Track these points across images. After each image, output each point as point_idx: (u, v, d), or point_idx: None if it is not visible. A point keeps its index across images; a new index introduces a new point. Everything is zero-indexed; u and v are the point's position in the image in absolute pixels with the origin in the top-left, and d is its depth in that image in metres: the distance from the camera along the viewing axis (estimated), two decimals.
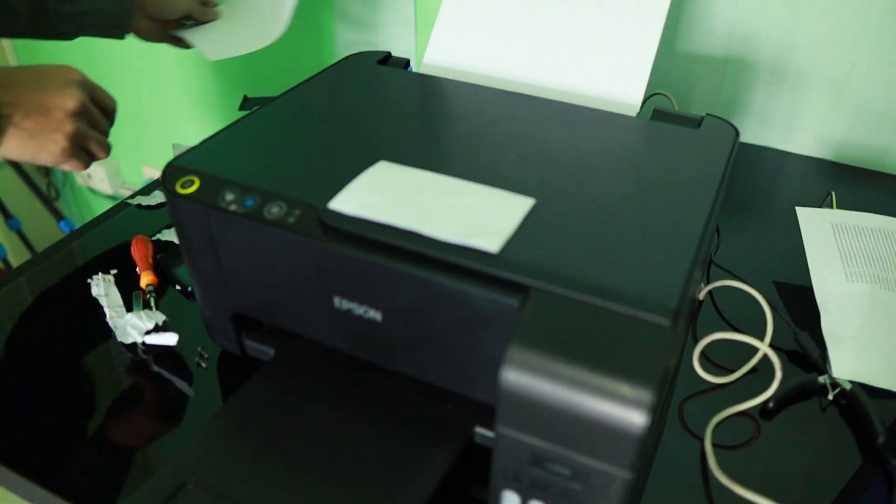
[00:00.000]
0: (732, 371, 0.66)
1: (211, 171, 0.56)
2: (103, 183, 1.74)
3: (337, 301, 0.53)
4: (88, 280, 0.73)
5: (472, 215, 0.51)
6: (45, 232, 1.82)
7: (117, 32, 0.86)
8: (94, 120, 0.72)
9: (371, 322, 0.53)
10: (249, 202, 0.53)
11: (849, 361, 0.66)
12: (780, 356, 0.66)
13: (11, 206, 1.71)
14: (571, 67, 0.72)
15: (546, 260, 0.48)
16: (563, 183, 0.56)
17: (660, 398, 0.41)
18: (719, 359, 0.68)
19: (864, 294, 0.72)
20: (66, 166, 0.71)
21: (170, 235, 0.82)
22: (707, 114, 0.68)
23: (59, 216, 1.73)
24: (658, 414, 0.42)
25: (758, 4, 0.95)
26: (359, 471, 0.52)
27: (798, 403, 0.65)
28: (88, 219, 1.92)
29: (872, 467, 0.59)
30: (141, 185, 1.72)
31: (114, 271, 0.75)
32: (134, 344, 0.68)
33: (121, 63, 1.55)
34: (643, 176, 0.58)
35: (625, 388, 0.41)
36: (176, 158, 0.57)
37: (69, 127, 0.68)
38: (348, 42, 1.24)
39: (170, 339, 0.66)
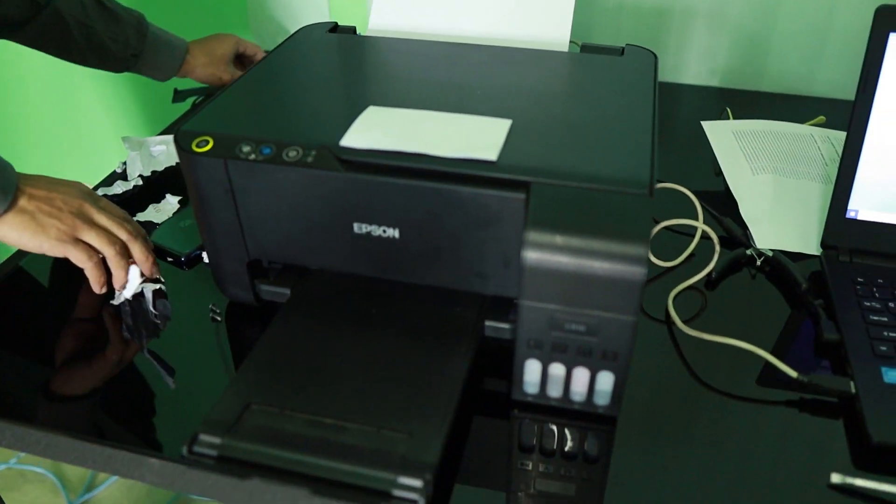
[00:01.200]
0: (672, 259, 0.78)
1: (220, 130, 0.62)
2: None
3: (357, 227, 0.61)
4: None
5: (465, 135, 0.60)
6: None
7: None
8: (100, 220, 0.72)
9: (389, 240, 0.61)
10: (266, 150, 0.60)
11: (767, 234, 0.80)
12: (715, 237, 0.78)
13: None
14: (503, 19, 0.82)
15: (536, 161, 0.57)
16: (528, 106, 0.66)
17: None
18: (660, 253, 0.79)
19: (769, 182, 0.86)
20: (70, 255, 0.70)
21: (145, 216, 0.86)
22: (626, 44, 0.79)
23: None
24: None
25: None
26: (396, 373, 0.60)
27: (733, 274, 0.77)
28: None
29: (800, 311, 0.73)
30: None
31: None
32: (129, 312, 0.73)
33: (23, 73, 1.52)
34: (591, 94, 0.69)
35: (625, 247, 0.51)
36: (183, 123, 0.63)
37: (68, 214, 0.69)
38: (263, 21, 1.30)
39: (134, 275, 0.72)
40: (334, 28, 0.84)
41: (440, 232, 0.59)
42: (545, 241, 0.52)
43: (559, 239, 0.52)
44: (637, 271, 0.51)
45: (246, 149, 0.60)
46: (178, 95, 1.13)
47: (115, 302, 0.73)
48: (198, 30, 1.35)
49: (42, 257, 0.74)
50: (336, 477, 0.53)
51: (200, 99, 1.13)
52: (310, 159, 0.59)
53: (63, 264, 0.72)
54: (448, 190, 0.56)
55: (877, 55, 0.70)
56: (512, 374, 0.60)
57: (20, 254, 0.81)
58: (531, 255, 0.53)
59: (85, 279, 0.72)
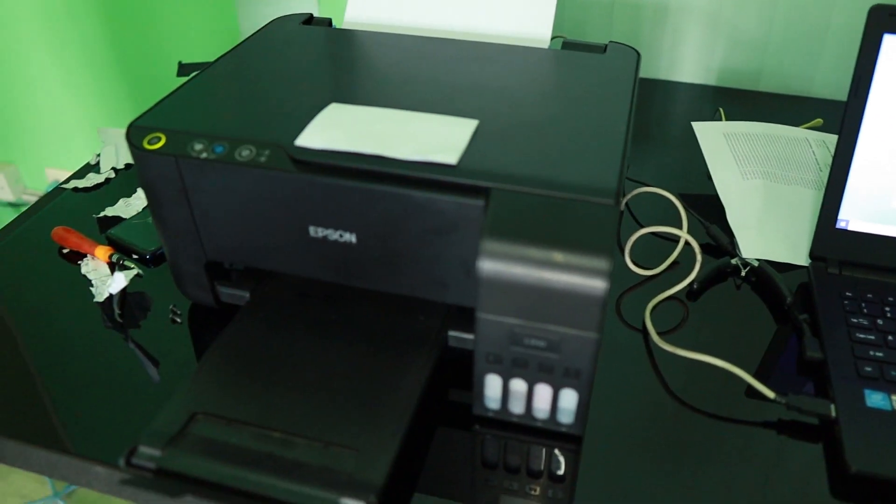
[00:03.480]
0: (657, 266, 0.75)
1: (174, 127, 0.59)
2: (3, 191, 1.69)
3: (312, 230, 0.58)
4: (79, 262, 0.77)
5: (427, 137, 0.57)
6: None
7: None
8: None
9: (346, 245, 0.58)
10: (219, 149, 0.57)
11: (754, 243, 0.77)
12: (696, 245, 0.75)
13: None
14: (484, 13, 0.79)
15: (498, 166, 0.54)
16: (498, 106, 0.63)
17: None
18: (644, 259, 0.76)
19: (759, 188, 0.82)
20: None
21: (114, 211, 0.84)
22: (610, 41, 0.76)
23: None
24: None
25: None
26: (351, 384, 0.58)
27: (716, 285, 0.74)
28: None
29: (785, 326, 0.69)
30: (46, 188, 1.69)
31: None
32: (112, 309, 0.70)
33: (12, 62, 1.51)
34: (565, 94, 0.66)
35: (585, 260, 0.48)
36: (137, 119, 0.60)
37: None
38: (252, 13, 1.27)
39: (119, 280, 0.69)
40: (309, 20, 0.81)
41: (398, 238, 0.56)
42: (502, 251, 0.49)
43: (516, 248, 0.49)
44: (597, 285, 0.48)
45: (198, 146, 0.58)
46: (183, 69, 1.09)
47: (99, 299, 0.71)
48: (186, 23, 1.33)
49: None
50: (278, 495, 0.50)
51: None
52: (263, 159, 0.56)
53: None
54: (405, 194, 0.54)
55: (870, 57, 0.67)
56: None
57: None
58: (487, 266, 0.50)
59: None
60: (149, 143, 0.59)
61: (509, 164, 0.54)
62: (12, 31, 1.46)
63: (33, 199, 1.71)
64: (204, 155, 0.57)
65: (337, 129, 0.58)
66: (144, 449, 0.53)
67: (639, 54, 0.73)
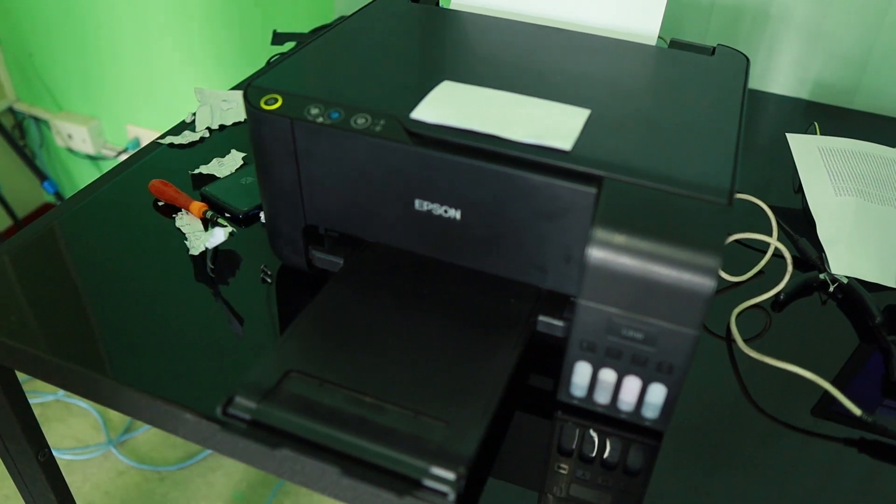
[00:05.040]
0: (740, 274, 0.75)
1: (291, 90, 0.61)
2: (85, 143, 1.74)
3: (418, 203, 0.59)
4: (173, 216, 0.79)
5: (540, 121, 0.57)
6: (22, 197, 1.81)
7: None
8: None
9: (450, 221, 0.59)
10: (335, 115, 0.58)
11: (844, 260, 0.76)
12: (788, 256, 0.74)
13: None
14: (592, 5, 0.79)
15: (612, 156, 0.55)
16: (609, 97, 0.63)
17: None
18: (728, 266, 0.76)
19: (852, 205, 0.81)
20: None
21: (208, 169, 0.86)
22: (718, 44, 0.75)
23: (42, 177, 1.73)
24: None
25: None
26: (441, 358, 0.59)
27: (802, 298, 0.73)
28: (68, 182, 1.92)
29: (870, 345, 0.68)
30: (126, 144, 1.74)
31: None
32: (204, 263, 0.72)
33: (103, 18, 1.55)
34: (676, 92, 0.65)
35: (696, 256, 0.48)
36: (255, 79, 0.62)
37: None
38: None
39: (219, 235, 0.71)
40: None
41: (503, 218, 0.57)
42: (612, 241, 0.50)
43: (627, 239, 0.49)
44: (706, 283, 0.48)
45: (314, 111, 0.59)
46: (277, 38, 1.11)
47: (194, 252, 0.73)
48: (284, 3, 1.35)
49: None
50: (368, 458, 0.51)
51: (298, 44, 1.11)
52: (378, 128, 0.57)
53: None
54: (517, 176, 0.54)
55: None
56: (560, 374, 0.58)
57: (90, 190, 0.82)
58: (596, 254, 0.50)
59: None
60: (266, 103, 0.60)
61: (622, 155, 0.55)
62: None
63: (113, 154, 1.76)
64: (320, 119, 0.58)
65: (451, 106, 0.59)
66: (241, 400, 0.55)
67: (748, 60, 0.72)
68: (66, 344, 0.64)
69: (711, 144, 0.57)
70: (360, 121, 0.58)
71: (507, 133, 0.55)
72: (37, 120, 1.81)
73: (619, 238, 0.50)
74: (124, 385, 0.61)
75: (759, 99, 1.11)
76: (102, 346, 0.64)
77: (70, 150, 1.80)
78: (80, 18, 1.56)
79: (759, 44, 1.09)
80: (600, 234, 0.50)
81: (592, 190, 0.53)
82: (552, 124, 0.57)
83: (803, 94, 1.11)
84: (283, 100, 0.60)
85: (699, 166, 0.54)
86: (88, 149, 1.74)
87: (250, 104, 0.60)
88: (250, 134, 0.63)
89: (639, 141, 0.57)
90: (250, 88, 0.61)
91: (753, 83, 1.13)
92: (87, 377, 0.62)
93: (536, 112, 0.59)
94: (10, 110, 1.82)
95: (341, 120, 0.58)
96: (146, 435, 1.58)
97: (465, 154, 0.55)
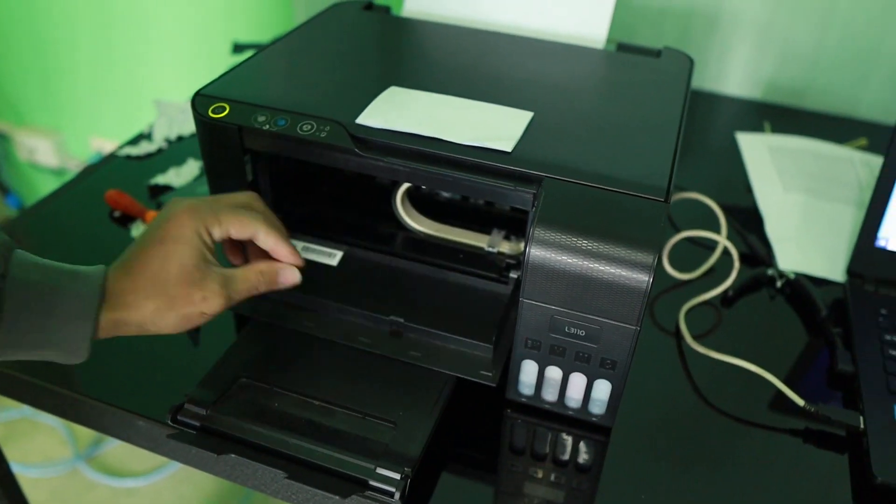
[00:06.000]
0: (690, 272, 0.76)
1: (238, 98, 0.61)
2: (48, 156, 1.72)
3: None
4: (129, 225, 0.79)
5: (483, 124, 0.58)
6: None
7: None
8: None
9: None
10: (282, 122, 0.59)
11: (792, 256, 0.77)
12: (735, 252, 0.76)
13: None
14: (540, 11, 0.80)
15: (552, 157, 0.55)
16: (553, 100, 0.64)
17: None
18: (678, 264, 0.77)
19: (800, 202, 0.83)
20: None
21: (165, 179, 0.86)
22: (664, 46, 0.77)
23: (4, 191, 1.71)
24: None
25: None
26: (388, 361, 0.59)
27: (751, 294, 0.75)
28: (31, 196, 1.90)
29: (817, 339, 0.70)
30: (90, 157, 1.73)
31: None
32: None
33: (62, 28, 1.54)
34: (619, 93, 0.67)
35: (633, 253, 0.49)
36: (203, 88, 0.62)
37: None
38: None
39: None
40: (368, 6, 0.83)
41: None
42: (550, 239, 0.51)
43: (565, 237, 0.50)
44: (642, 279, 0.49)
45: (261, 118, 0.59)
46: (238, 48, 1.11)
47: None
48: (241, 6, 1.35)
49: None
50: (315, 460, 0.52)
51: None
52: (323, 134, 0.58)
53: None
54: (458, 178, 0.55)
55: None
56: (507, 372, 0.59)
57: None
58: (535, 252, 0.51)
59: None
60: (213, 111, 0.60)
61: (562, 156, 0.56)
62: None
63: (77, 167, 1.74)
64: (266, 127, 0.59)
65: (396, 110, 0.59)
66: (190, 407, 0.55)
67: (692, 61, 0.74)
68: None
69: (650, 144, 0.58)
70: (306, 127, 0.58)
71: (450, 136, 0.56)
72: None
73: (557, 236, 0.50)
74: (79, 395, 0.61)
75: (713, 100, 1.13)
76: None
77: (33, 165, 1.79)
78: (38, 29, 1.55)
79: (712, 46, 1.11)
80: (539, 233, 0.51)
81: (532, 191, 0.54)
82: (495, 127, 0.58)
83: (756, 95, 1.13)
84: (231, 108, 0.61)
85: (637, 166, 0.55)
86: (52, 162, 1.73)
87: (198, 112, 0.61)
88: (199, 142, 0.63)
89: (580, 142, 0.58)
90: (198, 97, 0.62)
91: (708, 84, 1.15)
92: (42, 389, 0.62)
93: (480, 115, 0.60)
94: None
95: (287, 127, 0.59)
96: (114, 449, 1.56)
97: (408, 157, 0.56)
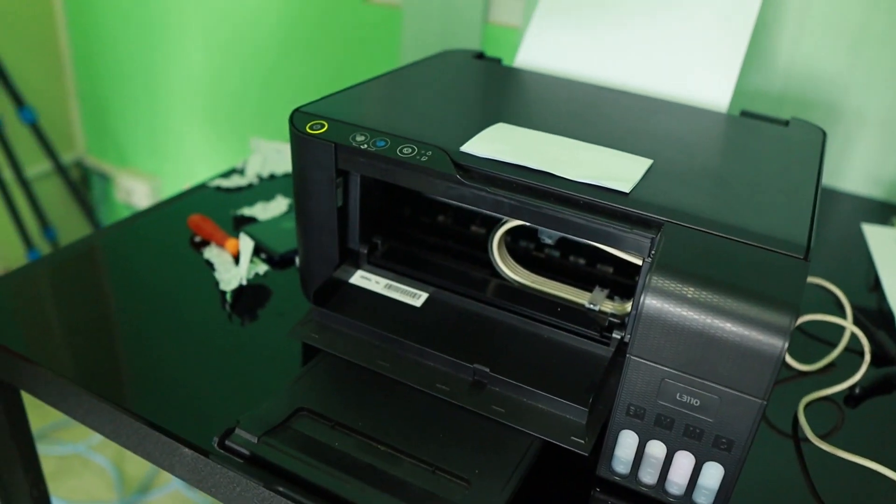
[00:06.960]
0: (810, 363, 0.67)
1: (338, 118, 0.58)
2: (143, 198, 1.76)
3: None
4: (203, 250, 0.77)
5: (598, 164, 0.53)
6: None
7: None
8: None
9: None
10: (381, 143, 0.55)
11: None
12: (866, 343, 0.67)
13: (49, 217, 1.72)
14: (660, 73, 0.76)
15: (675, 203, 0.50)
16: (675, 154, 0.58)
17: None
18: (794, 353, 0.69)
19: None
20: None
21: (251, 212, 0.84)
22: (792, 117, 0.71)
23: (96, 225, 1.75)
24: None
25: (816, 44, 1.00)
26: (468, 413, 0.53)
27: (880, 395, 0.66)
28: None
29: None
30: None
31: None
32: (232, 300, 0.69)
33: (174, 74, 1.59)
34: (746, 152, 0.61)
35: (768, 313, 0.43)
36: (303, 105, 0.60)
37: None
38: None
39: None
40: (480, 55, 0.81)
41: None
42: (669, 289, 0.44)
43: (688, 288, 0.44)
44: (776, 344, 0.42)
45: (360, 138, 0.56)
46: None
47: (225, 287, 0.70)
48: (348, 58, 1.37)
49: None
50: None
51: None
52: (424, 159, 0.54)
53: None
54: (569, 217, 0.50)
55: None
56: (602, 444, 0.51)
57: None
58: (651, 303, 0.45)
59: None
60: (311, 128, 0.58)
61: (685, 203, 0.50)
62: (173, 49, 1.55)
63: None
64: (364, 146, 0.55)
65: (504, 142, 0.55)
66: (241, 433, 0.50)
67: (824, 133, 0.68)
68: (66, 361, 0.60)
69: (785, 201, 0.52)
70: (406, 150, 0.55)
71: (562, 172, 0.51)
72: (102, 175, 1.85)
73: (677, 286, 0.44)
74: (125, 412, 0.57)
75: (831, 197, 1.05)
76: (115, 373, 0.60)
77: (128, 206, 1.83)
78: (153, 76, 1.61)
79: (832, 139, 1.04)
80: (657, 281, 0.45)
81: (651, 235, 0.48)
82: (612, 168, 0.53)
83: (878, 194, 1.05)
84: (329, 125, 0.58)
85: (771, 219, 0.49)
86: (146, 204, 1.76)
87: (295, 128, 0.58)
88: (292, 160, 0.60)
89: (704, 192, 0.52)
90: (296, 113, 0.59)
91: (826, 179, 1.07)
92: (88, 402, 0.58)
93: (594, 156, 0.55)
94: (79, 163, 1.87)
95: (387, 148, 0.55)
96: (160, 499, 1.51)
97: (514, 190, 0.51)
